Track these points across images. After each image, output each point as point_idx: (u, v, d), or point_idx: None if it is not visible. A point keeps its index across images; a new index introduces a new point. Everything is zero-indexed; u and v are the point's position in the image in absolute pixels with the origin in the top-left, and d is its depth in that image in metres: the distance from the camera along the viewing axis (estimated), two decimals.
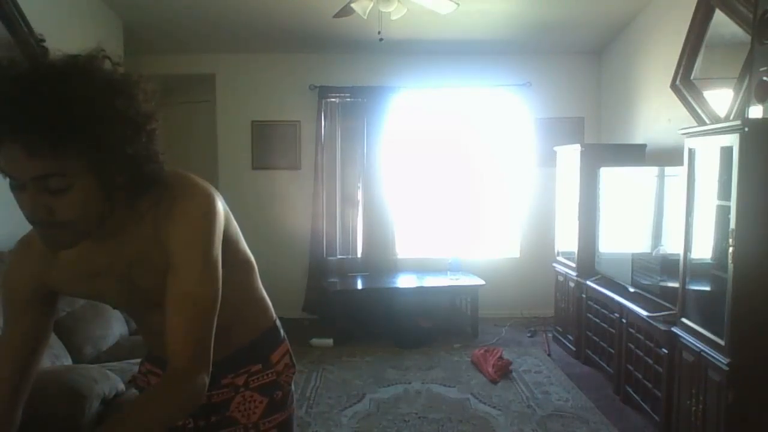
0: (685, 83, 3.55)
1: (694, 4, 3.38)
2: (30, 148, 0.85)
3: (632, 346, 3.24)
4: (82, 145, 0.88)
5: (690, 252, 2.70)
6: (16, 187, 0.90)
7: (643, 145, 4.16)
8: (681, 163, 2.76)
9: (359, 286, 4.83)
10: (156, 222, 1.05)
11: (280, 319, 1.40)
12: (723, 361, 2.32)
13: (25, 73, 0.87)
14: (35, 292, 1.14)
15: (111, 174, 0.94)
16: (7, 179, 0.92)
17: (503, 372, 3.80)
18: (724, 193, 2.37)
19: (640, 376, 3.15)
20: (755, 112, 2.65)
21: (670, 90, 3.68)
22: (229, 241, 1.14)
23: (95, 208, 0.95)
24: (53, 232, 0.94)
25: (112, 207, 1.00)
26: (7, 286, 1.17)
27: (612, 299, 3.50)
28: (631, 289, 3.40)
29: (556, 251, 4.61)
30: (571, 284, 4.20)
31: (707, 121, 3.27)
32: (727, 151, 2.35)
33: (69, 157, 0.88)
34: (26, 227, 1.12)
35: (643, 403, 3.11)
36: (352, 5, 3.33)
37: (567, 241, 4.37)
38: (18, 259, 1.16)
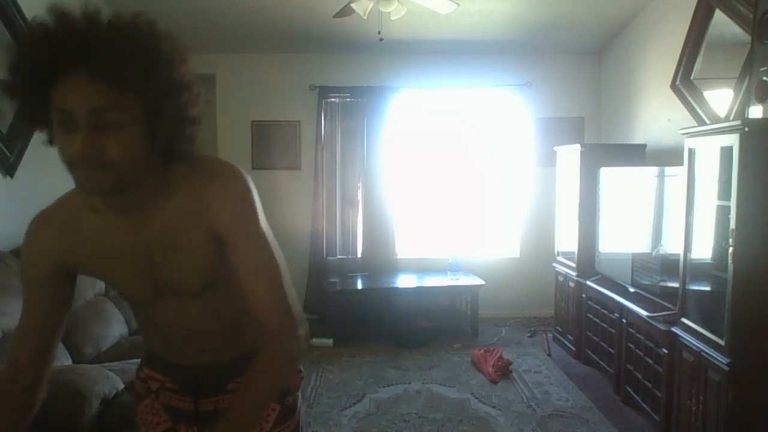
0: (685, 83, 3.55)
1: (694, 4, 3.38)
2: (96, 77, 0.88)
3: (632, 346, 3.24)
4: (142, 86, 0.91)
5: (690, 252, 2.70)
6: (67, 127, 0.91)
7: (643, 145, 4.16)
8: (681, 163, 2.76)
9: (359, 286, 4.83)
10: (195, 199, 1.06)
11: None
12: (723, 361, 2.32)
13: (94, 10, 0.91)
14: (54, 269, 1.11)
15: (158, 127, 0.96)
16: (40, 136, 0.98)
17: (503, 372, 3.80)
18: (724, 193, 2.37)
19: (640, 376, 3.15)
20: (755, 112, 2.65)
21: (670, 90, 3.68)
22: None
23: (139, 156, 0.96)
24: (97, 174, 0.93)
25: (149, 167, 1.00)
26: (26, 264, 1.14)
27: (612, 299, 3.50)
28: (631, 289, 3.40)
29: (556, 251, 4.61)
30: (571, 284, 4.19)
31: (707, 121, 3.28)
32: (727, 151, 2.35)
33: (127, 94, 0.91)
34: (25, 227, 1.11)
35: (643, 403, 3.11)
36: (352, 5, 3.33)
37: (567, 241, 4.37)
38: (36, 236, 1.12)
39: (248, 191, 1.08)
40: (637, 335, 3.18)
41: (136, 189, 1.02)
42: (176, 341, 1.22)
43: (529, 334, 4.72)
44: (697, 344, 2.52)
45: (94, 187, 0.96)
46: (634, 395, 3.22)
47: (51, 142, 0.98)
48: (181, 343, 1.22)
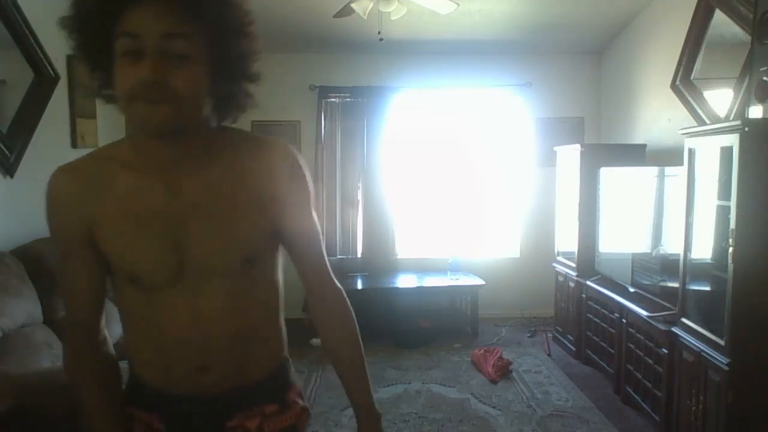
0: (685, 83, 3.55)
1: (694, 4, 3.38)
2: (171, 1, 0.87)
3: (632, 346, 3.24)
4: (216, 20, 0.90)
5: (690, 252, 2.70)
6: (134, 55, 0.87)
7: (643, 145, 4.16)
8: (681, 163, 2.76)
9: (359, 286, 4.83)
10: (251, 160, 1.02)
11: None
12: (723, 361, 2.32)
13: None
14: (86, 225, 1.00)
15: (222, 70, 0.94)
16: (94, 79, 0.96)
17: (503, 372, 3.80)
18: (724, 193, 2.37)
19: (640, 376, 3.15)
20: (755, 112, 2.65)
21: (670, 90, 3.68)
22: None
23: (201, 94, 0.93)
24: (160, 108, 0.88)
25: (205, 114, 0.96)
26: (52, 216, 1.02)
27: (612, 299, 3.50)
28: (631, 289, 3.40)
29: (556, 251, 4.61)
30: (571, 284, 4.19)
31: (707, 121, 3.27)
32: (727, 151, 2.35)
33: (200, 26, 0.89)
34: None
35: (643, 403, 3.11)
36: (352, 5, 3.33)
37: (567, 241, 4.37)
38: (63, 188, 1.00)
39: (301, 162, 1.07)
40: (637, 335, 3.18)
41: (189, 139, 0.97)
42: (175, 352, 1.03)
43: (529, 334, 4.72)
44: (697, 344, 2.52)
45: (156, 121, 0.89)
46: (634, 395, 3.22)
47: (103, 86, 0.95)
48: (180, 355, 1.03)
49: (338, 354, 1.18)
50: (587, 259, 4.05)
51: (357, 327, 1.18)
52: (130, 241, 0.99)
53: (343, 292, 1.17)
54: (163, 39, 0.87)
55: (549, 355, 4.25)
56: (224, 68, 0.94)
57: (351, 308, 1.17)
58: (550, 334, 4.59)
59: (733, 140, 2.29)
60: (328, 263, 1.16)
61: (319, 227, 1.13)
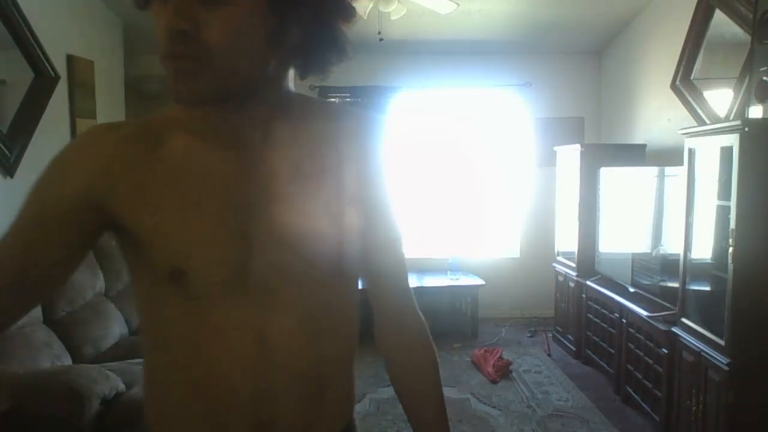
0: (685, 83, 3.54)
1: (694, 4, 3.38)
2: None
3: (632, 346, 3.24)
4: None
5: (690, 252, 2.69)
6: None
7: (643, 145, 4.15)
8: (681, 163, 2.76)
9: (359, 286, 4.81)
10: (343, 134, 0.78)
11: None
12: (723, 361, 2.32)
13: None
14: (94, 191, 0.70)
15: (291, 11, 0.67)
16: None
17: (503, 372, 3.80)
18: (724, 193, 2.37)
19: (640, 376, 3.15)
20: (755, 112, 2.65)
21: (670, 90, 3.68)
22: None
23: (253, 49, 0.67)
24: (188, 65, 0.65)
25: (266, 72, 0.71)
26: (56, 168, 0.72)
27: (612, 299, 3.50)
28: (631, 289, 3.40)
29: (556, 251, 4.61)
30: (571, 284, 4.19)
31: (707, 121, 3.27)
32: (727, 151, 2.35)
33: None
34: None
35: (643, 403, 3.11)
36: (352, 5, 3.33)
37: (567, 241, 4.37)
38: (91, 139, 0.73)
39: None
40: (637, 335, 3.18)
41: (264, 101, 0.73)
42: (227, 396, 0.74)
43: (529, 334, 4.72)
44: (697, 344, 2.52)
45: (184, 86, 0.66)
46: (634, 395, 3.22)
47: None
48: (234, 401, 0.73)
49: (418, 405, 0.97)
50: (587, 259, 4.04)
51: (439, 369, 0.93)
52: (179, 222, 0.71)
53: (426, 326, 0.91)
54: None
55: (549, 355, 4.24)
56: (296, 8, 0.67)
57: (434, 345, 0.93)
58: (550, 334, 4.58)
59: (733, 140, 2.28)
60: (409, 284, 0.89)
61: (403, 234, 0.87)
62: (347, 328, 0.85)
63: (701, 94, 3.44)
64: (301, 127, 0.76)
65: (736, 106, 3.01)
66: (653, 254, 3.27)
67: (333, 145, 0.77)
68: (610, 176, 3.87)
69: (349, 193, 0.77)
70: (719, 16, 3.23)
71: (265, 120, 0.74)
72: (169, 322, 0.74)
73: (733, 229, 2.28)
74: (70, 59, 3.45)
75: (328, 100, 0.79)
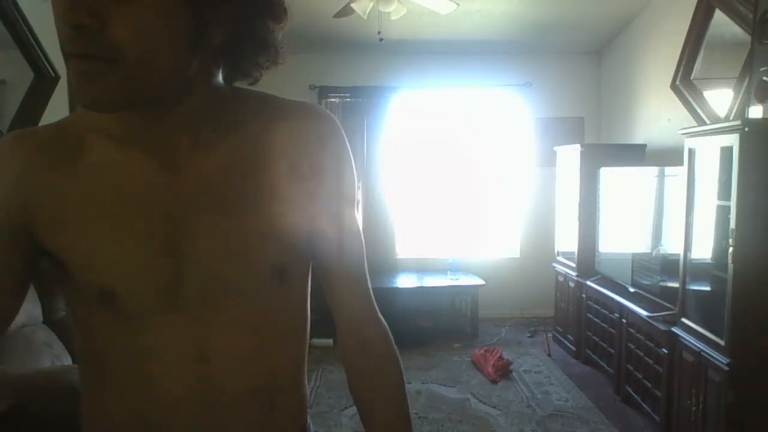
0: (685, 83, 3.54)
1: (694, 4, 3.38)
2: None
3: (632, 346, 3.24)
4: None
5: (690, 252, 2.70)
6: None
7: (643, 145, 4.16)
8: (681, 163, 2.76)
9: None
10: (278, 131, 0.73)
11: None
12: (723, 361, 2.32)
13: None
14: (13, 214, 0.66)
15: (206, 7, 0.61)
16: None
17: (503, 372, 3.80)
18: (724, 193, 2.37)
19: (640, 376, 3.15)
20: (755, 112, 2.65)
21: (670, 90, 3.68)
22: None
23: (165, 44, 0.60)
24: (94, 66, 0.57)
25: (192, 73, 0.64)
26: None
27: (612, 299, 3.50)
28: (631, 289, 3.40)
29: (556, 251, 4.61)
30: (571, 284, 4.19)
31: (707, 121, 3.27)
32: (727, 151, 2.35)
33: None
34: None
35: (643, 403, 3.11)
36: (352, 5, 3.33)
37: (567, 241, 4.37)
38: (9, 158, 0.67)
39: (345, 139, 0.77)
40: (637, 335, 3.18)
41: (188, 103, 0.67)
42: (166, 417, 0.70)
43: (529, 334, 4.72)
44: (697, 344, 2.52)
45: (90, 89, 0.58)
46: (634, 395, 3.22)
47: None
48: (174, 423, 0.70)
49: (379, 421, 0.82)
50: (587, 259, 4.04)
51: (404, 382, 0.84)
52: (103, 239, 0.66)
53: (388, 330, 0.83)
54: None
55: (549, 355, 4.24)
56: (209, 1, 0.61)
57: (398, 355, 0.85)
58: (550, 334, 4.59)
59: (733, 140, 2.28)
60: (370, 288, 0.82)
61: (361, 235, 0.81)
62: (297, 335, 0.79)
63: (701, 94, 3.44)
64: (233, 129, 0.71)
65: (736, 106, 3.01)
66: (653, 254, 3.27)
67: (270, 145, 0.72)
68: (610, 176, 3.87)
69: (289, 195, 0.72)
70: (719, 16, 3.23)
71: (193, 124, 0.68)
72: (104, 345, 0.69)
73: (733, 229, 2.28)
74: None
75: (269, 93, 0.72)
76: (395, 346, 0.83)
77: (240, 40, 0.67)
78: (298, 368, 0.80)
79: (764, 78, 2.58)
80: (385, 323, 0.83)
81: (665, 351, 2.82)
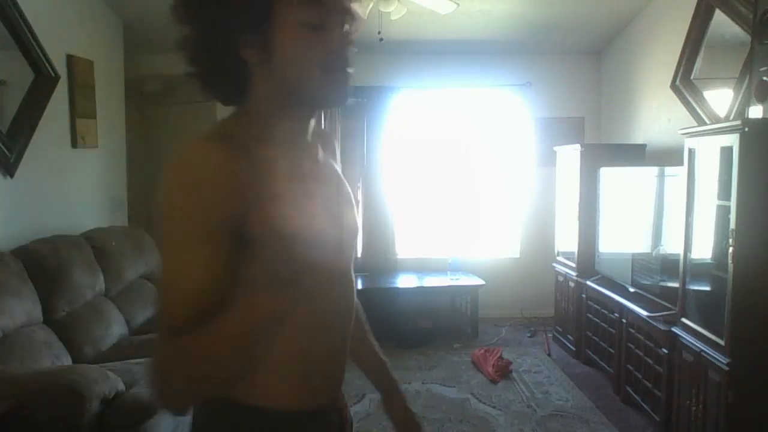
0: (685, 83, 3.55)
1: (694, 4, 3.38)
2: None
3: (632, 346, 3.24)
4: None
5: (690, 252, 2.70)
6: (324, 28, 0.83)
7: (643, 145, 4.16)
8: (681, 163, 2.76)
9: (359, 286, 4.82)
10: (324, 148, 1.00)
11: None
12: (723, 361, 2.32)
13: None
14: (240, 211, 0.77)
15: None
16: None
17: (503, 372, 3.80)
18: (724, 193, 2.37)
19: (640, 376, 3.15)
20: (755, 112, 2.65)
21: (670, 90, 3.68)
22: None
23: None
24: (348, 75, 0.87)
25: None
26: (199, 196, 0.75)
27: (612, 299, 3.50)
28: (631, 289, 3.40)
29: (556, 251, 4.61)
30: (571, 284, 4.19)
31: (707, 121, 3.28)
32: (727, 151, 2.35)
33: None
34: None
35: (643, 403, 3.11)
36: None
37: (567, 241, 4.37)
38: (218, 161, 0.77)
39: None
40: (637, 335, 3.18)
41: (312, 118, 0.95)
42: (340, 341, 0.96)
43: (529, 334, 4.72)
44: (697, 344, 2.52)
45: (348, 90, 0.87)
46: (634, 395, 3.22)
47: (264, 63, 0.85)
48: (341, 345, 0.96)
49: (360, 350, 1.30)
50: (587, 259, 4.05)
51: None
52: (303, 224, 0.82)
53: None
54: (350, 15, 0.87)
55: (549, 355, 4.25)
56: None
57: None
58: (550, 334, 4.59)
59: (733, 140, 2.29)
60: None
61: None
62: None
63: (701, 94, 3.44)
64: (316, 135, 0.97)
65: (736, 106, 3.01)
66: (653, 254, 3.27)
67: (328, 155, 0.99)
68: (610, 176, 3.88)
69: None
70: (719, 16, 3.23)
71: (306, 135, 0.93)
72: (301, 294, 0.78)
73: (733, 229, 2.28)
74: (70, 59, 3.45)
75: None
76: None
77: None
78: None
79: (764, 78, 2.58)
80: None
81: (665, 351, 2.82)
